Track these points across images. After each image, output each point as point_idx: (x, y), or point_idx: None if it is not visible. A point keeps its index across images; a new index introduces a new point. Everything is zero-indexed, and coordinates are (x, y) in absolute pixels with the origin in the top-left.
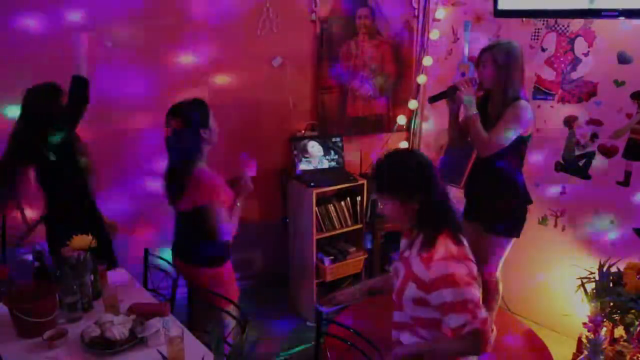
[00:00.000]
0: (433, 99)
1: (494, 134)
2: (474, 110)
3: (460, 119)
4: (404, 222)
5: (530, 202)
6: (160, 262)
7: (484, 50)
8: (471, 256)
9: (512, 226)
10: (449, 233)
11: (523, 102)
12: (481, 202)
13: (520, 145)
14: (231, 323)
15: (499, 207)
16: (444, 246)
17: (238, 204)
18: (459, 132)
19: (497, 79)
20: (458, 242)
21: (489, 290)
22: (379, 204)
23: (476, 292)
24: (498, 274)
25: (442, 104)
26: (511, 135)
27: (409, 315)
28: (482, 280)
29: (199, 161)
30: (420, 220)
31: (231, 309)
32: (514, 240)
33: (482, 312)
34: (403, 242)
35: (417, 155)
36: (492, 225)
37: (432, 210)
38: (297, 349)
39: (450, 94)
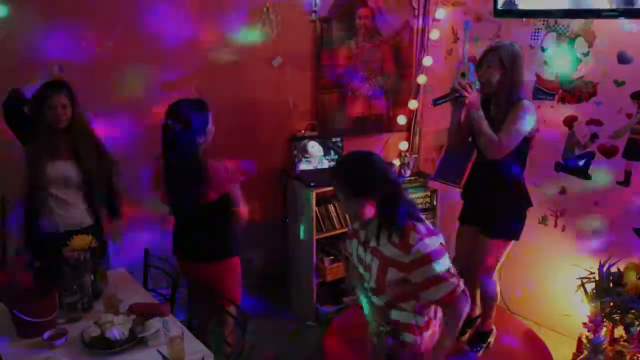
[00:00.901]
0: (437, 102)
1: (504, 135)
2: (480, 113)
3: (462, 120)
4: (363, 217)
5: (531, 204)
6: (160, 262)
7: (488, 52)
8: (433, 227)
9: (515, 229)
10: (409, 217)
11: (528, 102)
12: (483, 205)
13: (524, 145)
14: (231, 321)
15: (503, 209)
16: (412, 230)
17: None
18: (460, 135)
19: (504, 80)
20: (420, 220)
21: (486, 294)
22: (344, 205)
23: (448, 259)
24: (495, 277)
25: (443, 105)
26: (521, 135)
27: (390, 295)
28: (479, 284)
29: (203, 158)
30: (381, 214)
31: (232, 307)
32: (513, 242)
33: (457, 274)
34: (361, 233)
35: (372, 155)
36: (494, 228)
37: (392, 205)
38: None
39: (454, 97)
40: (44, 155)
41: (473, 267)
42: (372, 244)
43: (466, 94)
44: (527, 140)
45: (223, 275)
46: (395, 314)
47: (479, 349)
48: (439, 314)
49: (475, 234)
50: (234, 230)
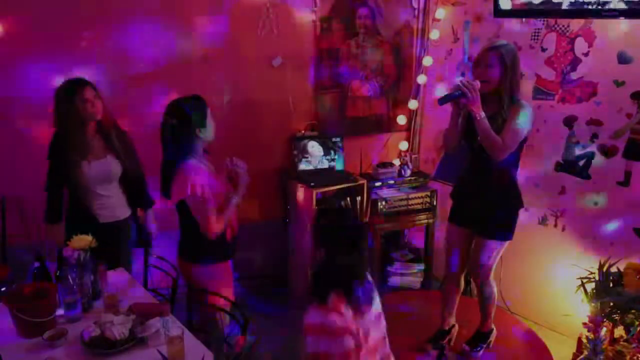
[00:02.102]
0: (442, 102)
1: (507, 135)
2: (482, 114)
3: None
4: None
5: (523, 205)
6: (160, 262)
7: (487, 51)
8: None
9: (512, 229)
10: (340, 292)
11: (525, 102)
12: (477, 206)
13: (519, 146)
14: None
15: (500, 211)
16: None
17: (234, 201)
18: (457, 137)
19: (505, 79)
20: (347, 303)
21: (485, 295)
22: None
23: (350, 343)
24: (492, 277)
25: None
26: (522, 135)
27: None
28: (477, 285)
29: (190, 157)
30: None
31: (229, 308)
32: (508, 243)
33: None
34: None
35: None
36: (492, 229)
37: (326, 275)
38: None
39: (458, 96)
40: (79, 157)
41: (462, 266)
42: None
43: (470, 94)
44: (523, 141)
45: (199, 279)
46: None
47: (479, 349)
48: None
49: (467, 235)
50: (210, 240)
